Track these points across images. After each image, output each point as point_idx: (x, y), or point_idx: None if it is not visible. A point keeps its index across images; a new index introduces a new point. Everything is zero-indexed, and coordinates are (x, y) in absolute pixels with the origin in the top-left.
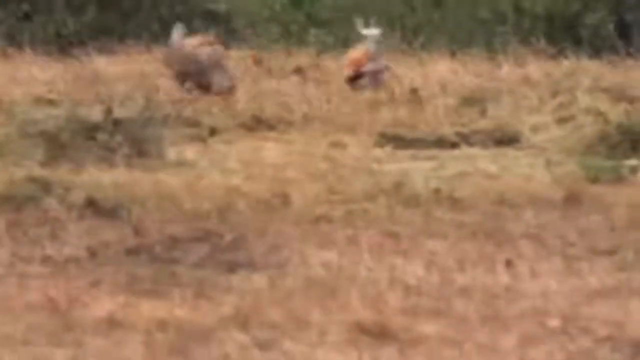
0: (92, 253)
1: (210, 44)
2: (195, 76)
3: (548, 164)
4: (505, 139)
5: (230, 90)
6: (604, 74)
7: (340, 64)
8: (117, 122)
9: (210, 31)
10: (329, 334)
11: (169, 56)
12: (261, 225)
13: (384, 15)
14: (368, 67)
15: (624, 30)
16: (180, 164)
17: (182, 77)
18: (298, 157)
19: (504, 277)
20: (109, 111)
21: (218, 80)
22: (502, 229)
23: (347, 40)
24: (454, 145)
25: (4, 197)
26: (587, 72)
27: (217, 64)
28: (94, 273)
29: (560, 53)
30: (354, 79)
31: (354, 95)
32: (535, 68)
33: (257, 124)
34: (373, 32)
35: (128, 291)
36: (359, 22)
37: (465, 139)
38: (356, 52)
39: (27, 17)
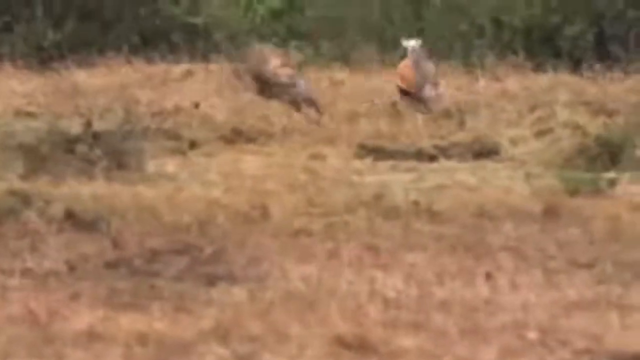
0: (72, 266)
1: (291, 65)
2: (277, 96)
3: (527, 176)
4: (484, 152)
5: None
6: (583, 87)
7: (320, 76)
8: (96, 135)
9: (190, 44)
10: (308, 348)
11: (252, 75)
12: (241, 238)
13: (363, 27)
14: (420, 91)
15: (603, 43)
16: (160, 176)
17: (266, 95)
18: (278, 170)
19: (483, 290)
20: (88, 124)
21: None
22: (481, 242)
23: (328, 53)
24: (433, 158)
25: None
26: (566, 85)
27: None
28: (74, 286)
29: (538, 67)
30: (404, 93)
31: (333, 107)
32: (514, 81)
33: (237, 137)
34: (411, 43)
35: (107, 304)
36: (403, 37)
37: (444, 152)
38: (403, 64)
39: (7, 28)
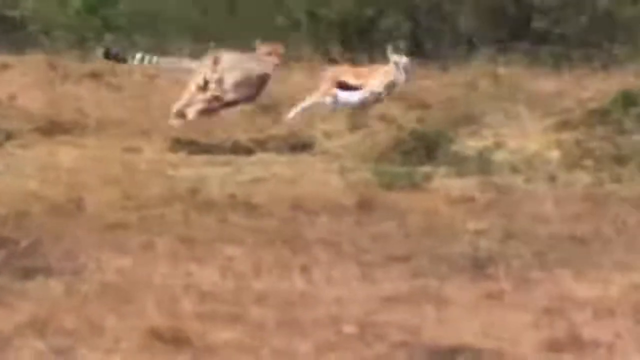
0: None
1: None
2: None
3: (342, 170)
4: (300, 145)
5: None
6: None
7: (135, 69)
8: None
9: (5, 36)
10: (123, 340)
11: None
12: (57, 230)
13: (177, 21)
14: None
15: (418, 36)
16: None
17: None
18: (93, 162)
19: (299, 283)
20: None
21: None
22: (298, 235)
23: (143, 46)
24: (249, 151)
25: None
26: None
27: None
28: None
29: (354, 59)
30: (344, 88)
31: (149, 100)
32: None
33: (52, 129)
34: (403, 59)
35: None
36: (389, 48)
37: (260, 145)
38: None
39: None
